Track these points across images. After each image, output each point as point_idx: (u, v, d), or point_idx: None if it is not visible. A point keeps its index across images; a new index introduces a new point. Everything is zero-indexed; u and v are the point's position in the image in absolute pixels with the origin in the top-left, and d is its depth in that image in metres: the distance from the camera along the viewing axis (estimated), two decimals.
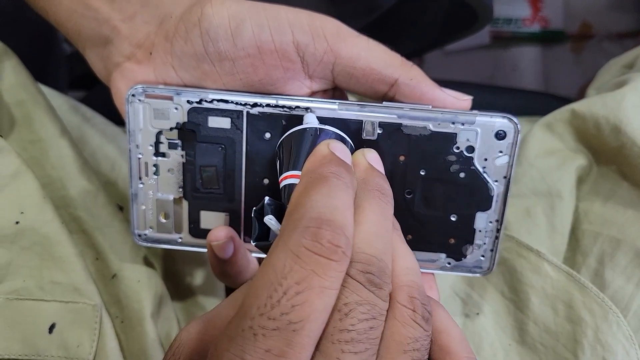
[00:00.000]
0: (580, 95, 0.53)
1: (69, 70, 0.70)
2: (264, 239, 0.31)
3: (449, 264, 0.36)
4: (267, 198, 0.30)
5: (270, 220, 0.30)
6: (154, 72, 0.34)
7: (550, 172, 0.45)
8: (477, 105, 0.34)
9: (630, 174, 0.43)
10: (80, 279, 0.38)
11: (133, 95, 0.35)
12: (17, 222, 0.37)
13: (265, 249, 0.30)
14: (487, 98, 0.67)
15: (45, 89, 0.47)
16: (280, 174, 0.32)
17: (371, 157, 0.32)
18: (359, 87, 0.34)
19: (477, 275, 0.36)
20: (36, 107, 0.42)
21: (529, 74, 1.19)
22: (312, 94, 0.35)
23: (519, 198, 0.45)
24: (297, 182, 0.29)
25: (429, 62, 1.19)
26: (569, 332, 0.39)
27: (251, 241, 0.30)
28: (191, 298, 0.45)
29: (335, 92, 0.36)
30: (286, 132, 0.34)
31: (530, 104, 0.69)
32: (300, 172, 0.30)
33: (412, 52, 0.62)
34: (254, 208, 0.30)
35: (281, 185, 0.31)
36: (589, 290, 0.40)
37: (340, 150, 0.30)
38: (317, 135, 0.32)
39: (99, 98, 0.58)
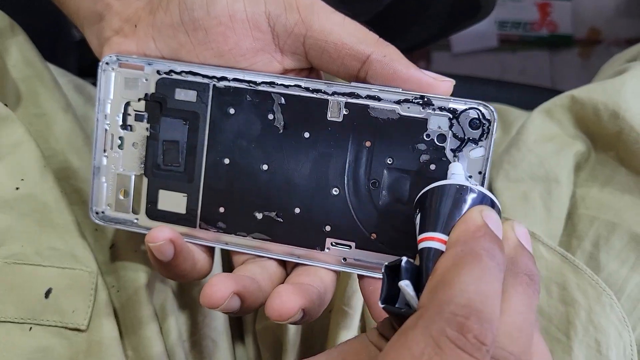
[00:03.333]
0: None
1: (78, 57, 0.71)
2: (393, 301, 0.27)
3: None
4: (404, 258, 0.26)
5: (406, 287, 0.26)
6: (136, 45, 0.35)
7: (548, 158, 0.45)
8: (481, 99, 0.32)
9: (628, 160, 0.43)
10: (77, 246, 0.38)
11: (107, 63, 0.35)
12: (17, 188, 0.38)
13: (394, 315, 0.27)
14: (491, 92, 0.67)
15: (52, 67, 0.48)
16: (421, 232, 0.28)
17: (520, 233, 0.28)
18: (330, 64, 0.33)
19: None
20: (42, 83, 0.43)
21: (537, 77, 1.20)
22: (285, 73, 0.34)
23: (517, 182, 0.46)
24: (439, 248, 0.26)
25: (437, 64, 1.19)
26: (562, 314, 0.39)
27: (379, 302, 0.26)
28: None
29: (311, 73, 0.36)
30: (247, 108, 0.33)
31: (537, 98, 0.69)
32: (444, 236, 0.27)
33: (418, 43, 0.63)
34: (386, 264, 0.27)
35: (421, 245, 0.27)
36: (583, 272, 0.40)
37: (494, 221, 0.27)
38: (466, 196, 0.28)
39: None
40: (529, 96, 0.74)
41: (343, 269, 0.34)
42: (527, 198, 0.45)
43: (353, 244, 0.33)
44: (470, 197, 0.28)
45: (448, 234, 0.27)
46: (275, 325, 0.43)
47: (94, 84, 0.55)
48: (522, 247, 0.27)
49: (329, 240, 0.34)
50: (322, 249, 0.34)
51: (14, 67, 0.43)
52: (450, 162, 0.32)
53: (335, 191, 0.33)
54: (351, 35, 0.32)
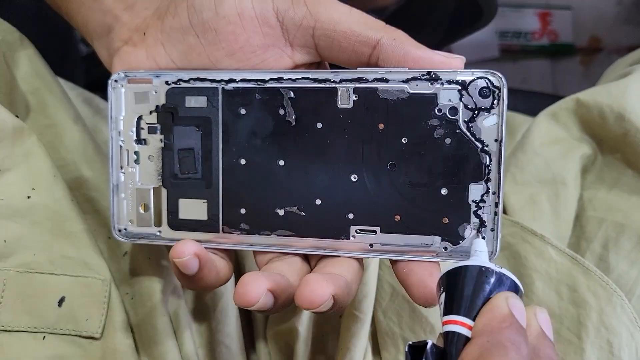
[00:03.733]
0: None
1: (85, 71, 0.71)
2: None
3: (445, 248, 0.32)
4: (429, 342, 0.26)
5: None
6: (146, 53, 0.35)
7: (555, 161, 0.46)
8: None
9: (635, 161, 0.43)
10: (90, 254, 0.39)
11: (116, 81, 0.35)
12: (28, 197, 0.38)
13: None
14: None
15: (61, 81, 0.49)
16: (445, 314, 0.28)
17: (542, 319, 0.28)
18: (341, 54, 0.33)
19: None
20: (51, 94, 0.43)
21: (539, 86, 1.20)
22: (295, 68, 0.35)
23: (524, 186, 0.46)
24: (464, 333, 0.27)
25: None
26: (573, 315, 0.39)
27: None
28: None
29: (319, 67, 0.36)
30: (258, 107, 0.34)
31: (541, 104, 0.70)
32: (469, 320, 0.27)
33: None
34: (410, 343, 0.27)
35: (445, 328, 0.27)
36: (593, 274, 0.40)
37: (519, 310, 0.27)
38: (490, 278, 0.28)
39: None
40: (532, 102, 0.74)
41: (371, 256, 0.34)
42: (534, 201, 0.45)
43: (378, 229, 0.33)
44: (494, 280, 0.28)
45: (473, 318, 0.27)
46: (286, 331, 0.43)
47: (102, 97, 0.56)
48: (544, 336, 0.28)
49: (353, 228, 0.33)
50: (348, 238, 0.34)
51: (23, 79, 0.43)
52: (474, 237, 0.31)
53: (354, 178, 0.33)
54: (359, 23, 0.32)
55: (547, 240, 0.42)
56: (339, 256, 0.34)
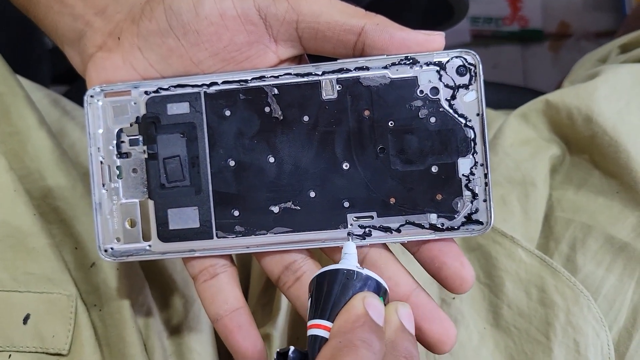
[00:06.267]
0: None
1: (52, 65, 0.70)
2: None
3: (442, 225, 0.33)
4: (292, 348, 0.28)
5: None
6: (122, 58, 0.34)
7: (525, 161, 0.46)
8: None
9: (601, 163, 0.44)
10: (54, 269, 0.38)
11: (92, 96, 0.34)
12: None
13: None
14: None
15: (25, 82, 0.47)
16: (309, 318, 0.29)
17: (403, 314, 0.30)
18: (326, 44, 0.33)
19: (476, 234, 0.33)
20: (14, 99, 0.42)
21: (509, 71, 1.21)
22: (280, 63, 0.35)
23: (495, 186, 0.47)
24: (325, 335, 0.28)
25: None
26: (541, 315, 0.40)
27: None
28: (169, 286, 0.45)
29: (302, 60, 0.36)
30: (243, 106, 0.33)
31: (510, 97, 0.70)
32: (328, 323, 0.28)
33: None
34: (277, 350, 0.28)
35: (309, 332, 0.29)
36: (561, 275, 0.41)
37: (375, 308, 0.28)
38: (352, 281, 0.29)
39: (81, 92, 0.57)
40: (503, 94, 0.75)
41: (370, 242, 0.34)
42: (505, 202, 0.46)
43: (375, 214, 0.34)
44: (357, 282, 0.29)
45: (334, 321, 0.28)
46: (261, 336, 0.43)
47: (69, 96, 0.55)
48: (402, 330, 0.29)
49: (350, 216, 0.34)
50: (346, 227, 0.34)
51: None
52: (441, 110, 0.33)
53: (345, 166, 0.34)
54: (341, 12, 0.32)
55: (517, 241, 0.43)
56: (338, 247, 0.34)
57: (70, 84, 0.73)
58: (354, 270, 0.29)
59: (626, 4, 1.15)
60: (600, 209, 0.43)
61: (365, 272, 0.30)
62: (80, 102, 0.53)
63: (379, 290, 0.30)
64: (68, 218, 0.41)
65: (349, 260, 0.31)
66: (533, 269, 0.42)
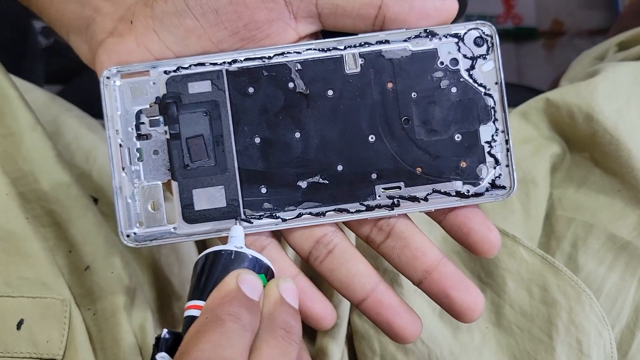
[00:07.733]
0: (553, 88, 0.54)
1: (45, 64, 0.69)
2: None
3: (468, 191, 0.34)
4: (165, 330, 0.28)
5: (161, 359, 0.28)
6: (136, 41, 0.33)
7: (525, 160, 0.46)
8: None
9: (602, 161, 0.44)
10: (48, 273, 0.37)
11: (108, 77, 0.34)
12: None
13: None
14: None
15: (20, 82, 0.47)
16: (187, 300, 0.30)
17: (285, 288, 0.29)
18: (346, 19, 0.33)
19: (500, 199, 0.34)
20: (8, 101, 0.41)
21: (504, 70, 1.21)
22: (300, 40, 0.34)
23: None
24: (198, 316, 0.28)
25: None
26: (543, 314, 0.40)
27: None
28: (165, 289, 0.45)
29: (318, 37, 0.35)
30: (266, 83, 0.34)
31: (508, 95, 0.70)
32: (204, 303, 0.28)
33: None
34: (155, 336, 0.28)
35: (185, 314, 0.29)
36: (563, 274, 0.41)
37: (249, 283, 0.28)
38: (232, 261, 0.30)
39: (76, 91, 0.57)
40: None
41: (401, 211, 0.34)
42: (505, 201, 0.45)
43: (402, 184, 0.34)
44: (238, 262, 0.30)
45: None
46: None
47: (63, 95, 0.54)
48: (282, 302, 0.29)
49: (378, 188, 0.34)
50: (374, 198, 0.34)
51: None
52: (461, 80, 0.34)
53: (371, 138, 0.34)
54: None
55: (519, 240, 0.42)
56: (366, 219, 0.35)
57: (64, 82, 0.72)
58: (233, 250, 0.30)
59: (619, 1, 1.16)
60: (601, 207, 0.43)
61: (251, 252, 0.30)
62: (75, 101, 0.52)
63: (261, 269, 0.30)
64: (62, 221, 0.40)
65: (235, 243, 0.31)
66: (535, 267, 0.42)
